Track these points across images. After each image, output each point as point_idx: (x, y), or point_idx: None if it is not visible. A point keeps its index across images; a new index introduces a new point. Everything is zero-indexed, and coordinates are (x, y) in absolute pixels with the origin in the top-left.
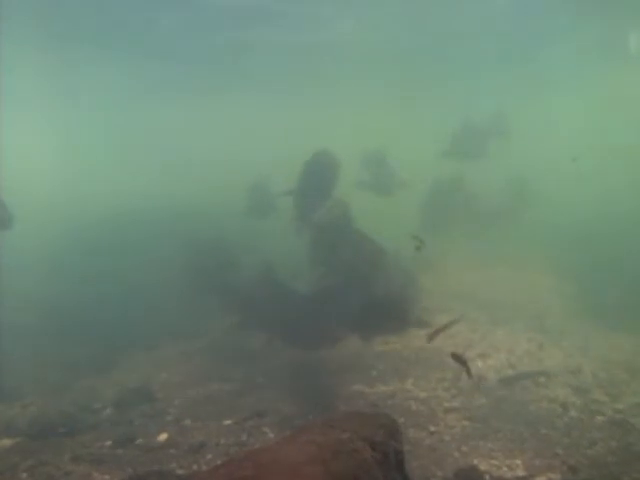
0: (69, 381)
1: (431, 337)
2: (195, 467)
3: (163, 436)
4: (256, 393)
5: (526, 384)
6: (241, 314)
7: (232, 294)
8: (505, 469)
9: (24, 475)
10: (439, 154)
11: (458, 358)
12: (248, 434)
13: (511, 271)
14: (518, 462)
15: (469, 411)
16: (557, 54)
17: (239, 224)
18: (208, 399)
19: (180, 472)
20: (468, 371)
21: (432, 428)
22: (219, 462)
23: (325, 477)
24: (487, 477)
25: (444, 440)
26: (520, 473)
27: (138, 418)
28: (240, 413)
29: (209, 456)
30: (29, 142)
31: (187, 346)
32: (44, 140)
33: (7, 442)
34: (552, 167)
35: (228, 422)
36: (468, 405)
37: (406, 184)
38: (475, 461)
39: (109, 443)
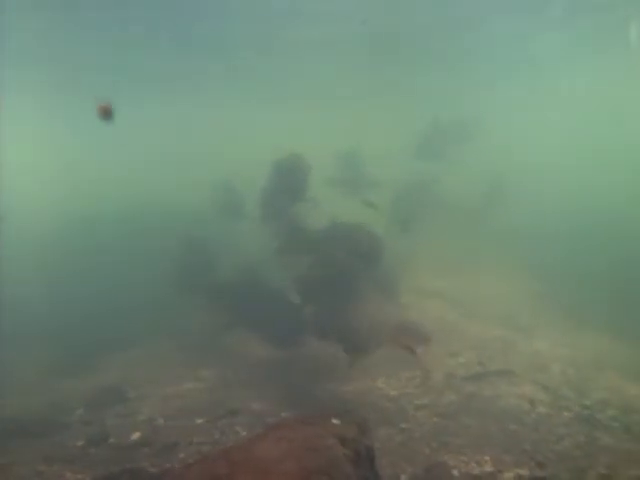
0: (44, 382)
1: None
2: (168, 466)
3: (136, 435)
4: (229, 392)
5: (495, 381)
6: (218, 314)
7: (209, 294)
8: (474, 465)
9: None
10: (410, 154)
11: (402, 344)
12: (221, 432)
13: (482, 270)
14: (487, 458)
15: (439, 408)
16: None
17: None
18: (181, 398)
19: (153, 470)
20: (412, 351)
21: (403, 425)
22: (191, 460)
23: (298, 473)
24: (456, 473)
25: (414, 437)
26: (488, 469)
27: (111, 418)
28: (213, 412)
29: (182, 455)
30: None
31: (162, 345)
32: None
33: None
34: (533, 165)
35: (201, 421)
36: (438, 402)
37: (376, 183)
38: (445, 457)
39: (82, 443)
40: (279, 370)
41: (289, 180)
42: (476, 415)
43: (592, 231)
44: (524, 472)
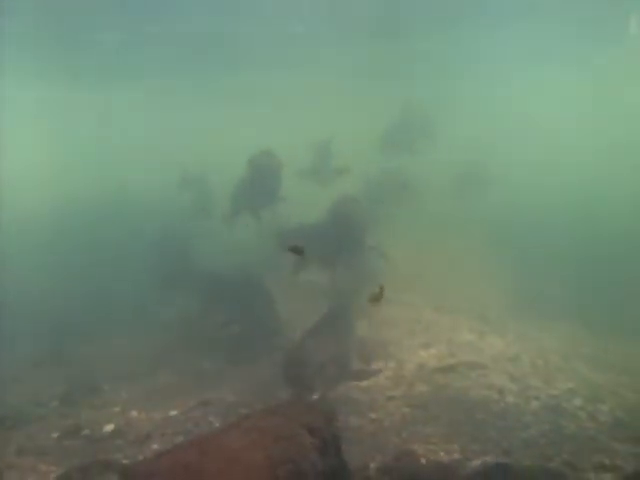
0: (17, 373)
1: (374, 301)
2: (141, 457)
3: (109, 427)
4: (203, 383)
5: (466, 373)
6: (197, 305)
7: (189, 286)
8: (442, 453)
9: None
10: (379, 145)
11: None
12: (194, 423)
13: (452, 262)
14: (455, 446)
15: (409, 399)
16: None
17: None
18: (155, 390)
19: (125, 462)
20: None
21: (373, 415)
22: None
23: (265, 462)
24: (424, 461)
25: (384, 427)
26: (456, 456)
27: (85, 410)
28: (186, 403)
29: (155, 446)
30: None
31: (137, 338)
32: None
33: None
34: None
35: (174, 412)
36: (409, 393)
37: (345, 173)
38: (414, 446)
39: (56, 435)
40: (253, 361)
41: (260, 180)
42: (446, 405)
43: (565, 225)
44: (490, 459)
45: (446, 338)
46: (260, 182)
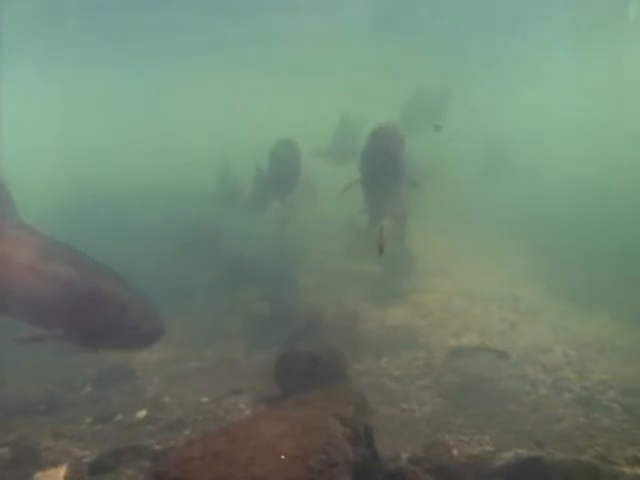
0: (48, 359)
1: (380, 249)
2: (172, 443)
3: (142, 413)
4: (234, 370)
5: (497, 363)
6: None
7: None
8: (474, 444)
9: (5, 450)
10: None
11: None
12: (225, 411)
13: (481, 249)
14: (486, 438)
15: (440, 389)
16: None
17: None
18: (186, 377)
19: (157, 448)
20: (380, 247)
21: (404, 405)
22: (195, 438)
23: (296, 451)
24: (456, 452)
25: (415, 417)
26: (488, 448)
27: (117, 395)
28: (217, 391)
29: (186, 432)
30: None
31: (168, 325)
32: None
33: None
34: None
35: (205, 399)
36: (439, 383)
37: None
38: (445, 437)
39: (89, 420)
40: (282, 349)
41: (282, 170)
42: (477, 396)
43: (599, 212)
44: (523, 451)
45: (477, 328)
46: (281, 171)
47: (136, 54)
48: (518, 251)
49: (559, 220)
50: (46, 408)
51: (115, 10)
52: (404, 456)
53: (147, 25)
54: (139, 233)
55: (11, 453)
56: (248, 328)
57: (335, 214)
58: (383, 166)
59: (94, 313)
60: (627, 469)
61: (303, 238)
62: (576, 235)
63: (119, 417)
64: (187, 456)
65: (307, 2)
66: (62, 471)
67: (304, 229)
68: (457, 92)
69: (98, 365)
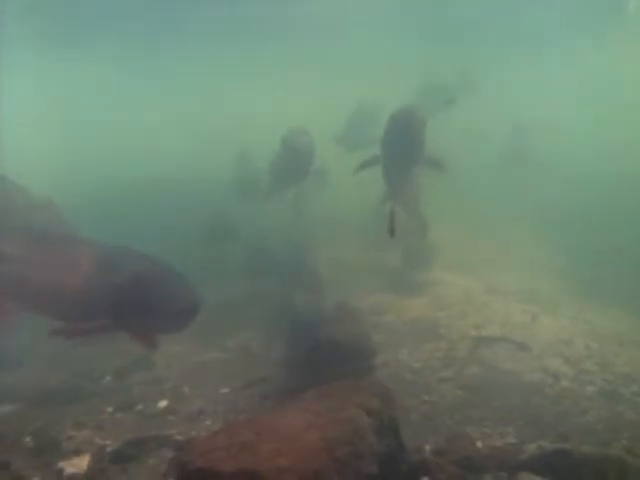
0: (68, 349)
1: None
2: (193, 433)
3: (162, 403)
4: (253, 362)
5: (519, 355)
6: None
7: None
8: (496, 436)
9: (28, 439)
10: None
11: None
12: (245, 402)
13: (500, 241)
14: (509, 430)
15: (462, 380)
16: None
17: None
18: (206, 368)
19: (179, 438)
20: (391, 227)
21: (425, 397)
22: (217, 429)
23: (322, 443)
24: (479, 444)
25: (437, 408)
26: (511, 440)
27: (137, 386)
28: (237, 382)
29: (207, 423)
30: None
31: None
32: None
33: (9, 407)
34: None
35: (225, 390)
36: (461, 375)
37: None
38: (467, 429)
39: (110, 410)
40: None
41: (293, 159)
42: (499, 388)
43: (618, 204)
44: (546, 444)
45: (498, 320)
46: (293, 160)
47: (150, 43)
48: (537, 244)
49: (579, 213)
50: (67, 398)
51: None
52: (427, 448)
53: (163, 13)
54: (155, 224)
55: (33, 442)
56: (267, 319)
57: (351, 203)
58: (405, 148)
59: (140, 299)
60: None
61: (319, 228)
62: (595, 227)
63: (140, 407)
64: (211, 446)
65: None
66: (85, 460)
67: (320, 218)
68: (477, 77)
69: (117, 355)
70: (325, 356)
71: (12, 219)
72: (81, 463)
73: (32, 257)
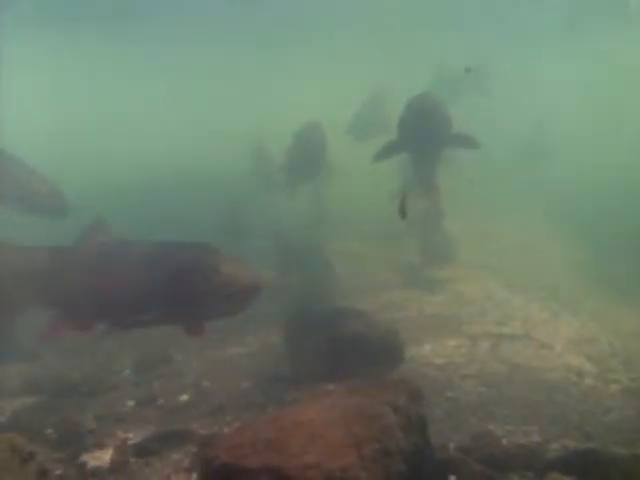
0: (87, 342)
1: (403, 212)
2: (215, 428)
3: (183, 397)
4: (273, 357)
5: (541, 352)
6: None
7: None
8: (520, 434)
9: (50, 431)
10: None
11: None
12: (266, 397)
13: (518, 237)
14: (534, 428)
15: (484, 377)
16: None
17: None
18: (226, 362)
19: (202, 432)
20: (402, 210)
21: (449, 394)
22: (238, 423)
23: (348, 440)
24: (503, 442)
25: (460, 406)
26: (535, 439)
27: (157, 379)
28: (257, 376)
29: (228, 417)
30: None
31: None
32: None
33: (30, 400)
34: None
35: (246, 385)
36: (483, 372)
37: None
38: (491, 426)
39: (131, 403)
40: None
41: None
42: (522, 385)
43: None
44: (571, 443)
45: (520, 316)
46: (306, 153)
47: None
48: (558, 239)
49: (599, 208)
50: (87, 390)
51: None
52: (451, 445)
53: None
54: (171, 215)
55: (56, 434)
56: (287, 313)
57: (365, 196)
58: (432, 132)
59: (203, 281)
60: None
61: (334, 221)
62: (615, 223)
63: (161, 401)
64: (237, 442)
65: None
66: (108, 454)
67: (334, 212)
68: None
69: (136, 348)
70: (353, 351)
71: (10, 188)
72: (104, 457)
73: (95, 268)
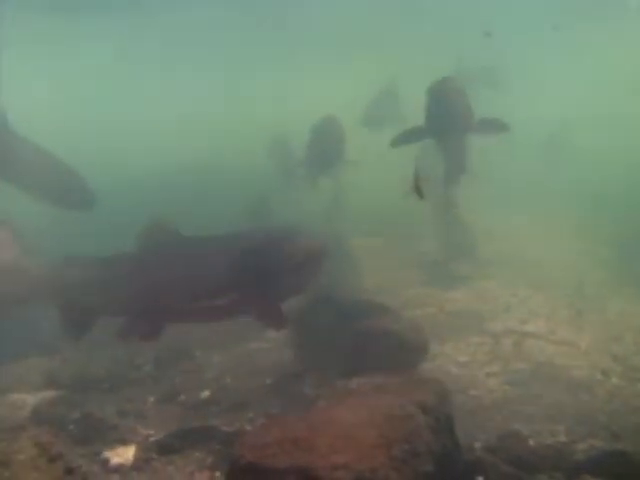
0: (107, 336)
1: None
2: (237, 424)
3: (205, 393)
4: (295, 353)
5: (566, 350)
6: None
7: None
8: (547, 434)
9: (71, 426)
10: None
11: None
12: (289, 395)
13: (541, 233)
14: (560, 428)
15: (509, 376)
16: None
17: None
18: (248, 358)
19: (226, 429)
20: (418, 191)
21: (473, 392)
22: (261, 420)
23: (378, 441)
24: (530, 442)
25: (485, 404)
26: (562, 439)
27: (178, 375)
28: (279, 373)
29: (250, 414)
30: None
31: None
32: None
33: (51, 394)
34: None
35: (268, 381)
36: (508, 370)
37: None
38: (516, 426)
39: (152, 399)
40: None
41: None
42: (547, 384)
43: None
44: (598, 443)
45: (543, 314)
46: (326, 148)
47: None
48: (581, 236)
49: (625, 205)
50: (108, 386)
51: None
52: (477, 445)
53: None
54: (192, 210)
55: (78, 430)
56: (308, 308)
57: (382, 190)
58: (458, 117)
59: (271, 257)
60: None
61: (354, 216)
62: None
63: (182, 397)
64: (263, 441)
65: None
66: (131, 451)
67: (354, 206)
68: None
69: (157, 344)
70: (378, 347)
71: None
72: (127, 453)
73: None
